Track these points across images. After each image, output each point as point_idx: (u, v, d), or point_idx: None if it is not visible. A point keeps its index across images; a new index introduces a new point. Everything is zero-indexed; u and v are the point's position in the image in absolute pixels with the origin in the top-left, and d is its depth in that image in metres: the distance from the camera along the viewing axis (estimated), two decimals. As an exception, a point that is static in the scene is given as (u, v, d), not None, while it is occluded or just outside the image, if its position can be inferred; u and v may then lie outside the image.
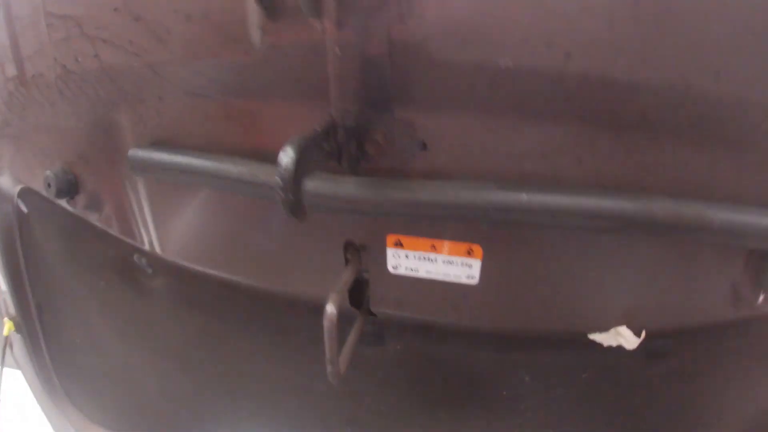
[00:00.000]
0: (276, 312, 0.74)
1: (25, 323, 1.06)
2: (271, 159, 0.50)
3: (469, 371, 0.66)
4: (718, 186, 0.42)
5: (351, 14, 0.34)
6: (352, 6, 0.34)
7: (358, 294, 0.59)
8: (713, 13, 0.34)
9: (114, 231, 0.75)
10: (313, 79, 0.44)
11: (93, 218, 0.75)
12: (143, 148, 0.58)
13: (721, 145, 0.40)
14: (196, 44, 0.49)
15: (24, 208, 0.95)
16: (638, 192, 0.42)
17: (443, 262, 0.52)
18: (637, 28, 0.34)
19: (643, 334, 0.52)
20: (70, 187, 0.72)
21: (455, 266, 0.52)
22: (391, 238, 0.52)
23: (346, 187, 0.42)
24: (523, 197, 0.43)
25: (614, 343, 0.54)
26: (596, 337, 0.54)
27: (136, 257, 0.79)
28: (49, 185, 0.72)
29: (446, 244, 0.51)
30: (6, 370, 1.13)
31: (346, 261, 0.55)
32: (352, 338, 0.56)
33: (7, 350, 1.10)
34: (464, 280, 0.53)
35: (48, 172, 0.72)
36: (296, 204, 0.35)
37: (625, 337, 0.52)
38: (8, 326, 1.08)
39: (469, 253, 0.51)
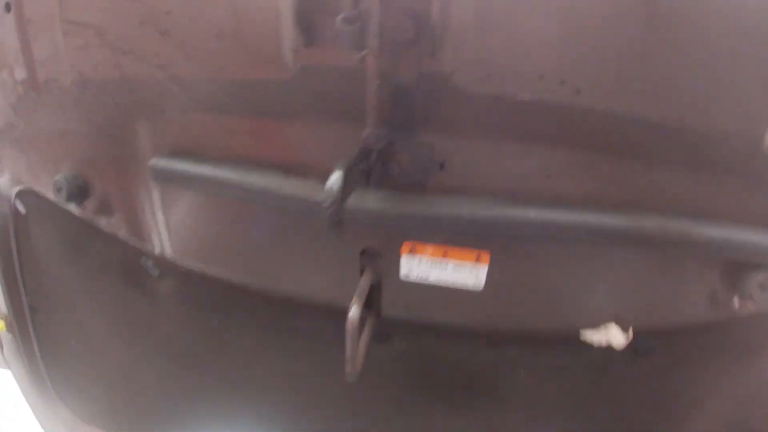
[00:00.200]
0: (280, 312, 0.79)
1: (17, 323, 1.07)
2: (293, 172, 0.55)
3: (469, 368, 0.72)
4: (702, 205, 0.49)
5: (390, 49, 0.39)
6: (392, 41, 0.39)
7: (369, 297, 0.64)
8: (703, 61, 0.40)
9: (123, 234, 0.78)
10: (341, 101, 0.48)
11: (102, 222, 0.78)
12: (165, 158, 0.61)
13: (705, 170, 0.47)
14: (226, 62, 0.52)
15: (22, 210, 0.96)
16: (631, 209, 0.49)
17: (452, 268, 0.58)
18: (641, 70, 0.41)
19: (631, 333, 0.59)
20: (80, 192, 0.75)
21: (463, 273, 0.58)
22: (406, 246, 0.58)
23: (376, 202, 0.47)
24: (531, 213, 0.49)
25: (604, 343, 0.61)
26: (588, 336, 0.61)
27: (143, 260, 0.82)
28: (59, 189, 0.74)
29: (457, 251, 0.57)
30: (-2, 370, 1.13)
31: (362, 267, 0.60)
32: (365, 338, 0.61)
33: (-1, 351, 1.11)
34: (471, 286, 0.58)
35: (59, 177, 0.74)
36: (339, 220, 0.40)
37: (613, 335, 0.59)
38: (0, 326, 1.09)
39: (478, 259, 0.57)
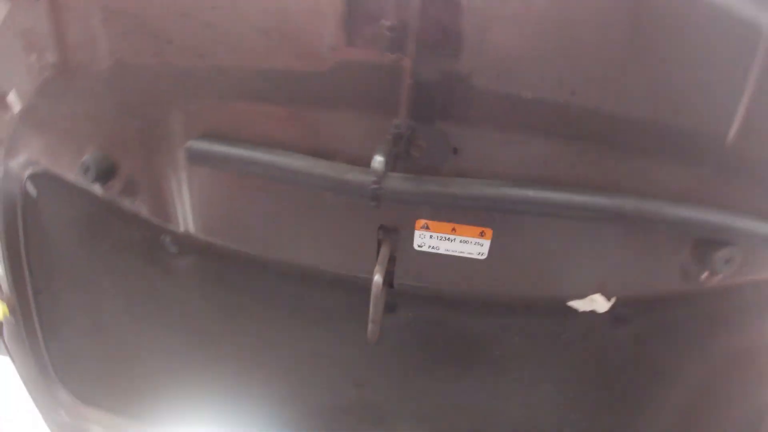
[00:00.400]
0: (294, 289, 0.87)
1: (20, 305, 1.11)
2: (322, 156, 0.64)
3: (468, 335, 0.83)
4: (674, 190, 0.62)
5: (423, 52, 0.49)
6: (424, 46, 0.49)
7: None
8: (676, 70, 0.52)
9: (145, 213, 0.85)
10: (371, 93, 0.58)
11: (126, 202, 0.85)
12: (201, 140, 0.68)
13: (678, 160, 0.59)
14: (266, 54, 0.60)
15: (33, 192, 1.01)
16: (614, 192, 0.60)
17: (460, 241, 0.68)
18: (625, 77, 0.53)
19: (613, 299, 0.70)
20: (107, 173, 0.81)
21: (469, 245, 0.68)
22: (419, 222, 0.68)
23: (397, 183, 0.57)
24: (530, 193, 0.60)
25: (589, 308, 0.72)
26: (574, 303, 0.73)
27: (162, 237, 0.89)
28: (86, 170, 0.80)
29: (464, 228, 0.67)
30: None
31: (379, 241, 0.70)
32: (380, 306, 0.70)
33: (-1, 337, 1.15)
34: (476, 256, 0.69)
35: (87, 158, 0.80)
36: (381, 196, 0.50)
37: (598, 303, 0.70)
38: (2, 310, 1.13)
39: (482, 234, 0.67)
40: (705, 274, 0.71)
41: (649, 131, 0.57)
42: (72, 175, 0.88)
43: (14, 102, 0.89)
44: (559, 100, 0.55)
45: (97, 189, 0.86)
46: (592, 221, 0.63)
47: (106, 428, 1.18)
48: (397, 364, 0.89)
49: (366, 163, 0.62)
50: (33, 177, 0.98)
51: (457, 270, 0.71)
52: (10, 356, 1.21)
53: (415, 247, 0.69)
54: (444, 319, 0.82)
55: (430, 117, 0.57)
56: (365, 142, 0.62)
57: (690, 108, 0.56)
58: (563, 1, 0.51)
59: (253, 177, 0.71)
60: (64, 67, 0.77)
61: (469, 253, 0.69)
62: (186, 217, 0.81)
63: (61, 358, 1.15)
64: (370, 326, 0.64)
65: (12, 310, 1.13)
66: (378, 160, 0.48)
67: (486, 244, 0.68)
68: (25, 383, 1.19)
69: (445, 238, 0.68)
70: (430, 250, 0.69)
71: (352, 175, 0.58)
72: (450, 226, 0.67)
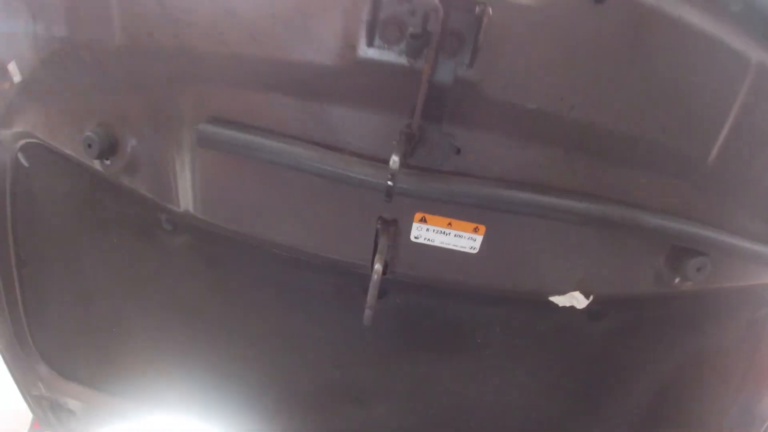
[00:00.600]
0: (287, 270, 0.91)
1: (1, 276, 1.11)
2: (330, 148, 0.68)
3: (452, 323, 0.89)
4: (655, 200, 0.70)
5: (441, 60, 0.54)
6: (442, 53, 0.54)
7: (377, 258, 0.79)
8: (663, 92, 0.59)
9: (144, 191, 0.87)
10: (385, 93, 0.62)
11: (126, 179, 0.86)
12: (212, 124, 0.71)
13: (661, 173, 0.68)
14: (288, 47, 0.64)
15: (25, 163, 1.01)
16: (599, 198, 0.67)
17: (454, 235, 0.74)
18: (618, 96, 0.61)
19: (591, 297, 0.77)
20: (110, 149, 0.83)
21: (463, 239, 0.74)
22: (418, 215, 0.73)
23: (401, 178, 0.62)
24: (523, 195, 0.66)
25: (568, 304, 0.79)
26: (555, 299, 0.80)
27: (158, 214, 0.91)
28: (89, 145, 0.82)
29: (460, 223, 0.73)
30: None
31: (377, 231, 0.75)
32: (374, 292, 0.76)
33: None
34: (468, 250, 0.75)
35: (90, 133, 0.81)
36: (392, 192, 0.55)
37: (577, 299, 0.77)
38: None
39: (476, 230, 0.73)
40: (677, 280, 0.79)
41: (637, 146, 0.65)
42: (69, 148, 0.89)
43: (14, 71, 0.90)
44: (558, 113, 0.61)
45: (96, 164, 0.87)
46: (577, 224, 0.70)
47: (85, 403, 1.20)
48: (381, 347, 0.94)
49: (372, 157, 0.67)
50: (26, 148, 0.98)
51: (449, 262, 0.76)
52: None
53: (412, 238, 0.75)
54: (430, 307, 0.88)
55: (440, 119, 0.62)
56: (374, 139, 0.68)
57: (677, 128, 0.64)
58: (567, 29, 0.58)
59: (269, 163, 0.74)
60: (73, 41, 0.78)
61: (462, 247, 0.74)
62: (186, 196, 0.83)
63: (42, 332, 1.16)
64: (366, 311, 0.69)
65: (-7, 283, 1.13)
66: (395, 160, 0.53)
67: (479, 239, 0.74)
68: (2, 355, 1.20)
69: (441, 231, 0.74)
70: (426, 242, 0.75)
71: (365, 169, 0.63)
72: (447, 220, 0.73)
